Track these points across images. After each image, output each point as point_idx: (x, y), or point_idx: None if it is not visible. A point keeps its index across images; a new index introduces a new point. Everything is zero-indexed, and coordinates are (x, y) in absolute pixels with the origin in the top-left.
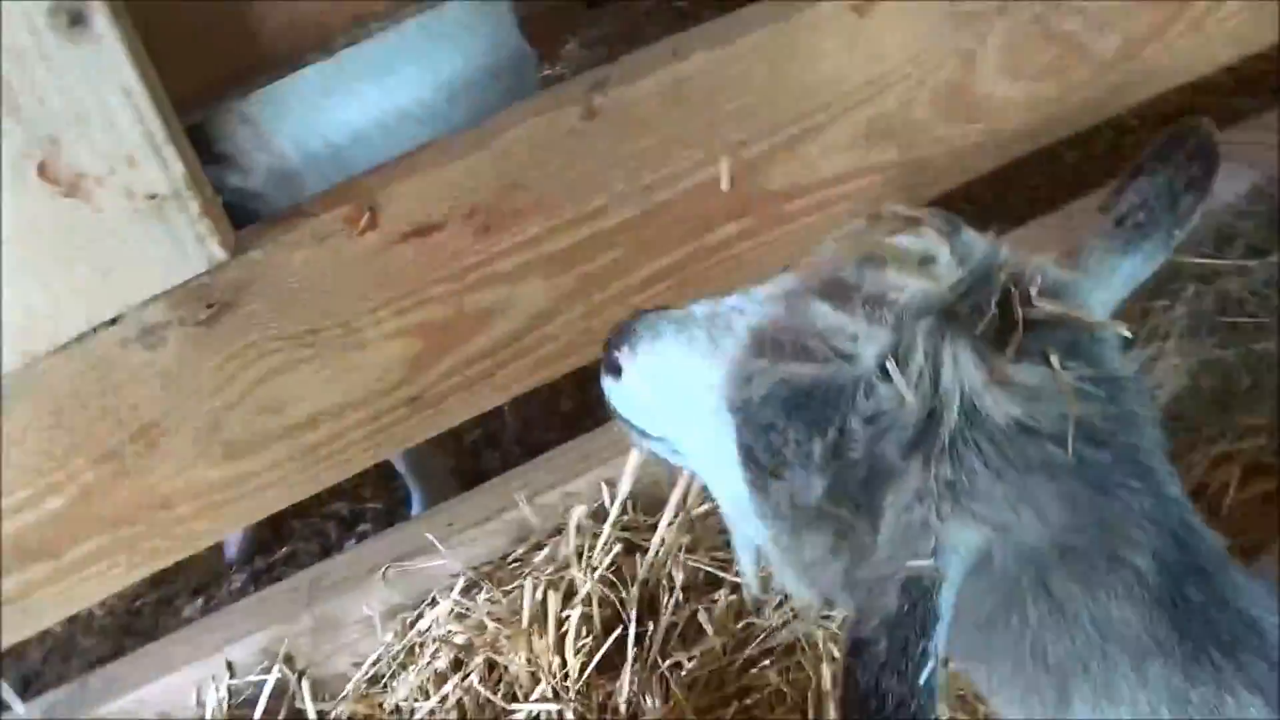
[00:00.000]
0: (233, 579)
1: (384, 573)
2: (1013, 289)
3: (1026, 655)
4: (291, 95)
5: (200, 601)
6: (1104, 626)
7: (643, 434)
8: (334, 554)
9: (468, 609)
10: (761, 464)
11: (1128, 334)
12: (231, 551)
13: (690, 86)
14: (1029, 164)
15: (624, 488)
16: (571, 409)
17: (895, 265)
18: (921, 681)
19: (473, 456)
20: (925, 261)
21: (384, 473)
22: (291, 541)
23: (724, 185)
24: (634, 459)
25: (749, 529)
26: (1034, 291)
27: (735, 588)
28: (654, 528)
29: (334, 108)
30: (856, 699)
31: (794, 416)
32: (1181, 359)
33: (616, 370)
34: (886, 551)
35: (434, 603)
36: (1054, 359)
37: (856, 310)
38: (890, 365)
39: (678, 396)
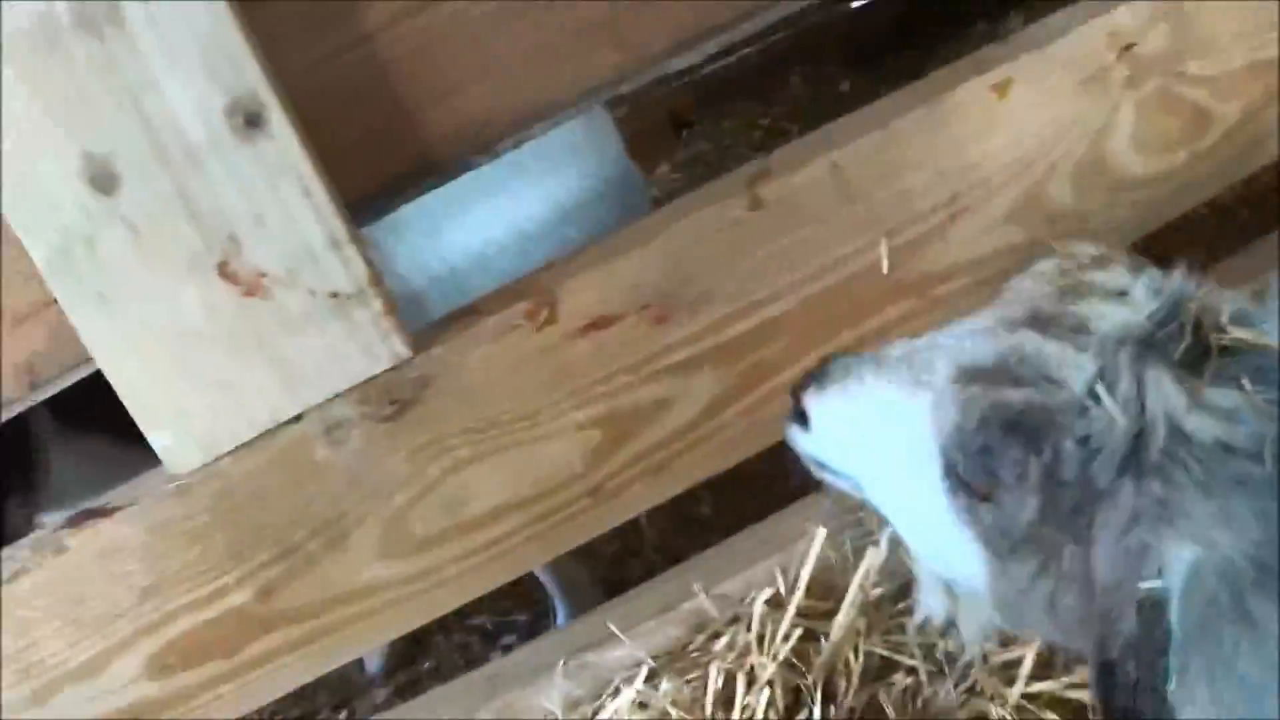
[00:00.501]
0: (375, 694)
1: (564, 665)
2: (1204, 318)
3: (1219, 677)
4: (410, 221)
5: (343, 717)
6: None
7: (833, 473)
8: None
9: (649, 699)
10: (973, 489)
11: None
12: (373, 665)
13: (847, 173)
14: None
15: (805, 574)
16: (709, 515)
17: (1095, 297)
18: (1169, 697)
19: (614, 567)
20: (1121, 294)
21: (527, 585)
22: (434, 655)
23: (884, 269)
24: (815, 546)
25: (942, 564)
26: (1224, 320)
27: (911, 670)
28: (827, 613)
29: (451, 231)
30: (1116, 713)
31: (1009, 439)
32: None
33: (803, 417)
34: (1108, 574)
35: (615, 693)
36: (1245, 380)
37: (1063, 339)
38: (1100, 389)
39: (876, 432)
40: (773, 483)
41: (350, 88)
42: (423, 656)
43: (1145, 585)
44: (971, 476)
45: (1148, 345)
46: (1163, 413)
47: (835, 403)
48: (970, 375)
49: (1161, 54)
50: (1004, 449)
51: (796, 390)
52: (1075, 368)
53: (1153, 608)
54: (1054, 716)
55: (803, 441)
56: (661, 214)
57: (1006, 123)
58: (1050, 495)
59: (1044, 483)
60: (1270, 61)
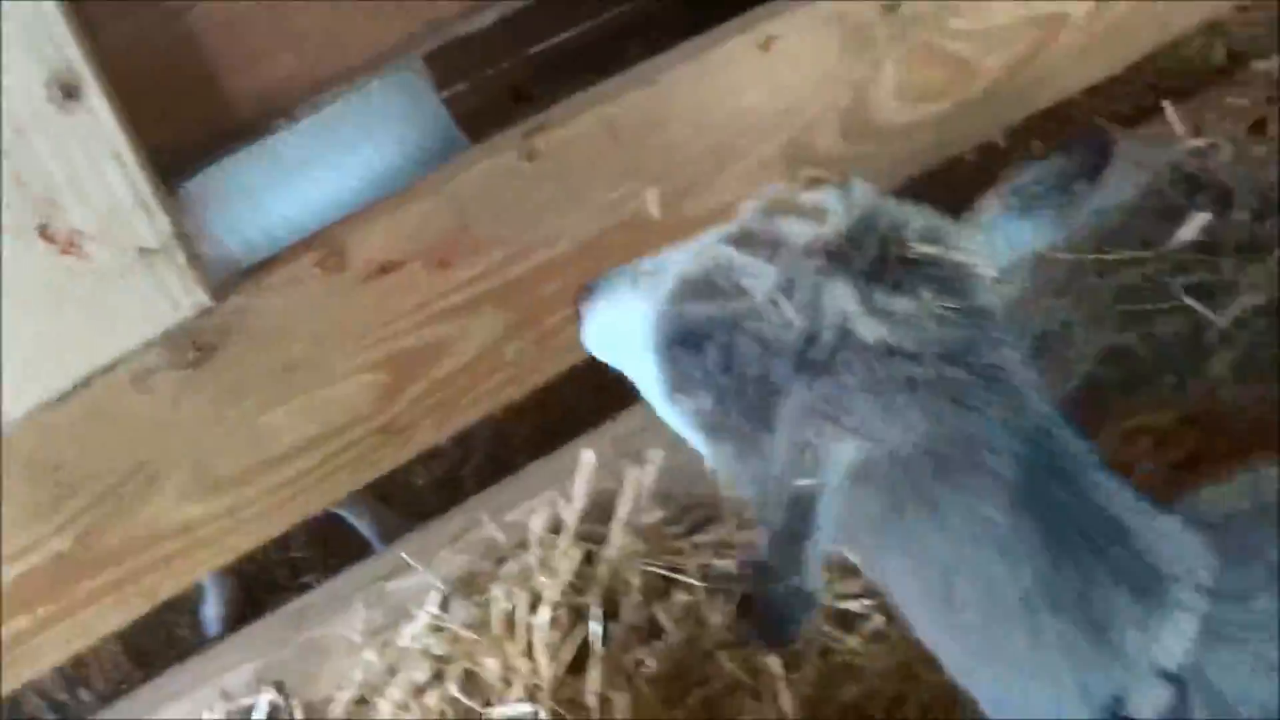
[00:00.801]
0: None
1: (364, 595)
2: (891, 233)
3: (913, 553)
4: (231, 192)
5: None
6: (975, 525)
7: (615, 364)
8: None
9: (443, 622)
10: (677, 382)
11: (992, 272)
12: (212, 629)
13: (619, 125)
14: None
15: (578, 499)
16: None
17: (793, 215)
18: (806, 580)
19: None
20: (818, 211)
21: (356, 543)
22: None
23: (654, 213)
24: (584, 471)
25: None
26: (910, 235)
27: (689, 588)
28: (607, 536)
29: (271, 202)
30: (755, 602)
31: (698, 343)
32: (1087, 347)
33: (585, 317)
34: (779, 464)
35: (411, 619)
36: (923, 291)
37: (757, 252)
38: (779, 296)
39: (624, 337)
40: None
41: (163, 60)
42: (259, 616)
43: (799, 482)
44: (671, 375)
45: (834, 257)
46: (835, 317)
47: (599, 310)
48: (683, 286)
49: (925, 11)
50: (692, 350)
51: (576, 298)
52: (762, 277)
53: (802, 501)
54: (828, 628)
55: (587, 340)
56: (445, 168)
57: (772, 77)
58: (736, 391)
59: (728, 380)
60: (1035, 18)
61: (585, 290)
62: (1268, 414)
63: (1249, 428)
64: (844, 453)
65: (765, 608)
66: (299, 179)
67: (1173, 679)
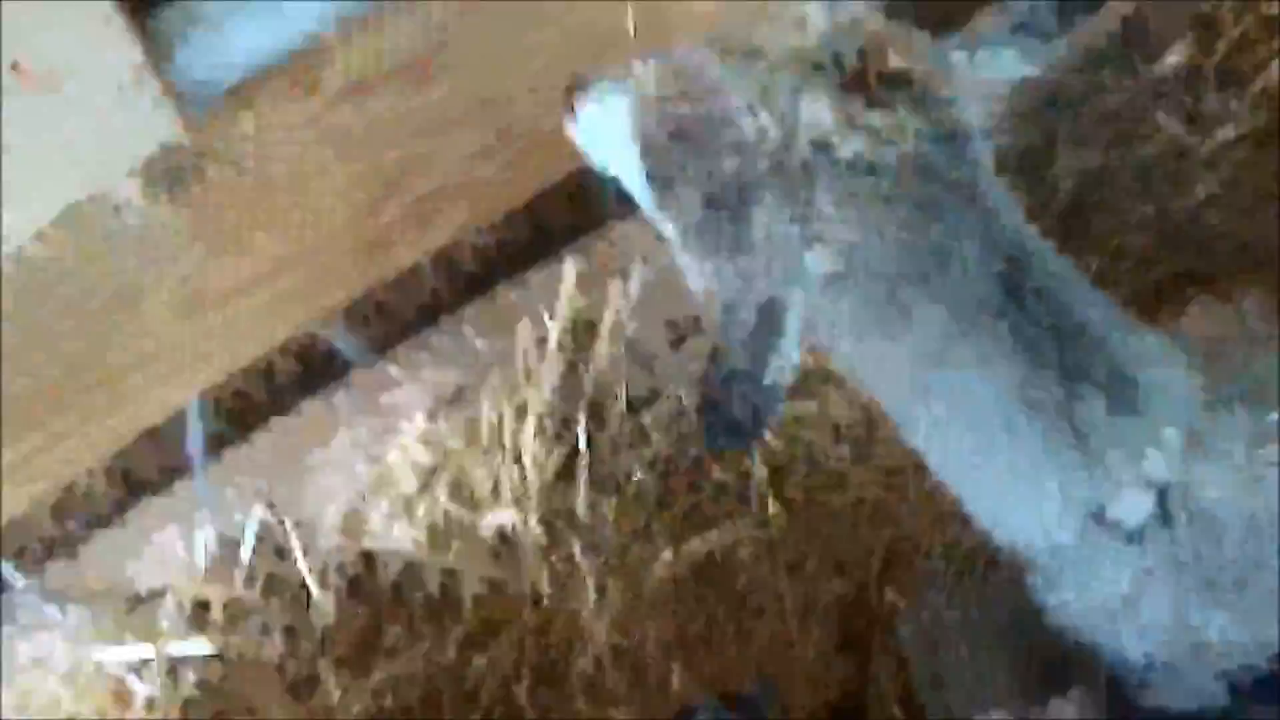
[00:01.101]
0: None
1: (350, 410)
2: (872, 48)
3: (891, 361)
4: (198, 25)
5: None
6: (950, 336)
7: (599, 161)
8: None
9: (432, 435)
10: (657, 179)
11: (972, 91)
12: (198, 459)
13: None
14: None
15: (561, 310)
16: None
17: (773, 24)
18: (767, 383)
19: None
20: (800, 21)
21: (342, 370)
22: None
23: (630, 30)
24: (567, 284)
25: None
26: (891, 51)
27: (674, 399)
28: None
29: (239, 32)
30: (714, 394)
31: (674, 142)
32: (1070, 168)
33: (574, 111)
34: (754, 268)
35: (398, 432)
36: (900, 107)
37: (737, 60)
38: (756, 104)
39: (610, 130)
40: None
41: None
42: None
43: (766, 289)
44: (651, 173)
45: (814, 68)
46: (810, 128)
47: (591, 103)
48: (666, 86)
49: None
50: (670, 150)
51: (570, 88)
52: (741, 83)
53: (773, 305)
54: (813, 435)
55: (575, 131)
56: None
57: None
58: (715, 190)
59: (706, 181)
60: None
61: (577, 82)
62: (1249, 238)
63: (1230, 251)
64: (817, 261)
65: (725, 410)
66: (265, 9)
67: (1155, 487)
